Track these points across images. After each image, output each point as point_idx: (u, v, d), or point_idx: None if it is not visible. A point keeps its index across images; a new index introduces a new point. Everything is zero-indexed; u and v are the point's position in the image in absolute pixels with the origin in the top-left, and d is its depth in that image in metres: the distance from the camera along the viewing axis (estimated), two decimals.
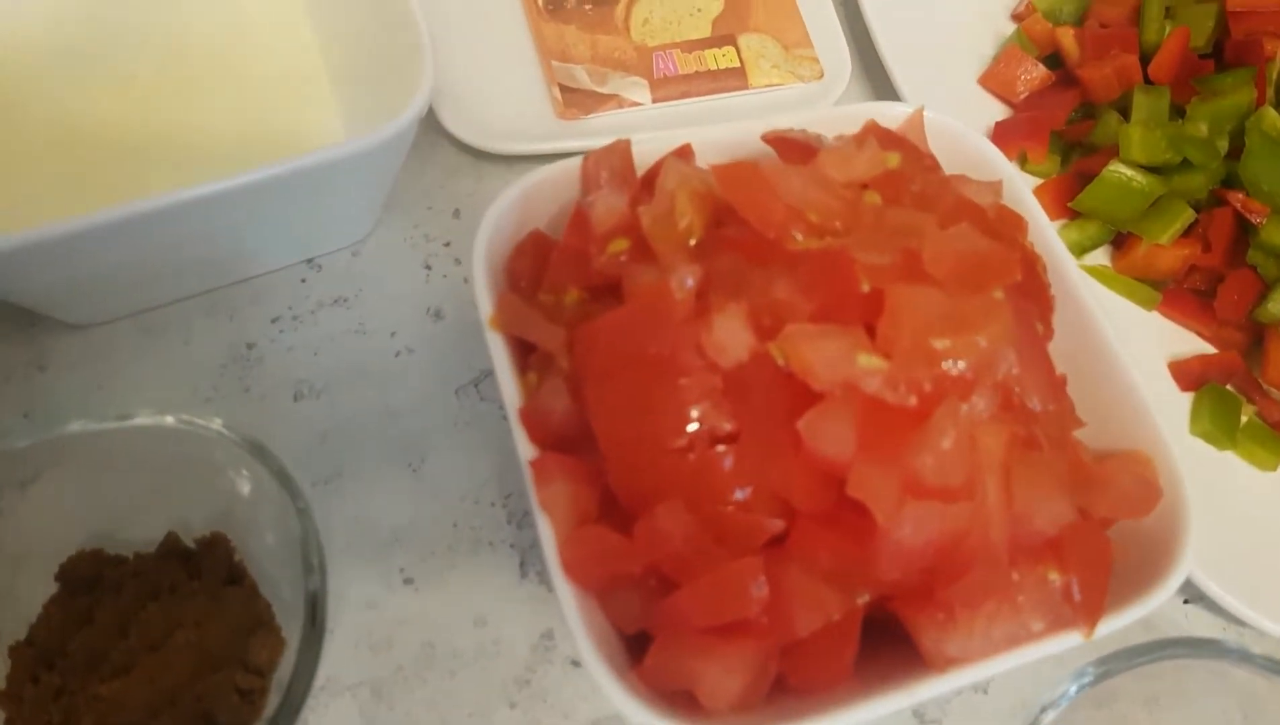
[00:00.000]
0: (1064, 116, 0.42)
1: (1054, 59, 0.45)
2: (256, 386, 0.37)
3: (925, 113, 0.33)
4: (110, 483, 0.32)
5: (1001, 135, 0.42)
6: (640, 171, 0.32)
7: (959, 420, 0.23)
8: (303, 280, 0.39)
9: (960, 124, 0.33)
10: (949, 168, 0.33)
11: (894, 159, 0.27)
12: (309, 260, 0.39)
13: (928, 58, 0.46)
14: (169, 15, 0.39)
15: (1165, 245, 0.40)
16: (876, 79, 0.47)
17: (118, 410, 0.31)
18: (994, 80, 0.44)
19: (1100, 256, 0.43)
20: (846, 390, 0.23)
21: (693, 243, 0.27)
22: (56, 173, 0.36)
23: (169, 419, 0.29)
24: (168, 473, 0.32)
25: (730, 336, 0.24)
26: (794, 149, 0.28)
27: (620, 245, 0.27)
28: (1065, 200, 0.42)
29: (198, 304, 0.38)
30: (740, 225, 0.26)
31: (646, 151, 0.32)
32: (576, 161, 0.32)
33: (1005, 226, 0.31)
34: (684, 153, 0.32)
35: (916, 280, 0.24)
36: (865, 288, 0.24)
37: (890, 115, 0.34)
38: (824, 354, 0.23)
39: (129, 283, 0.34)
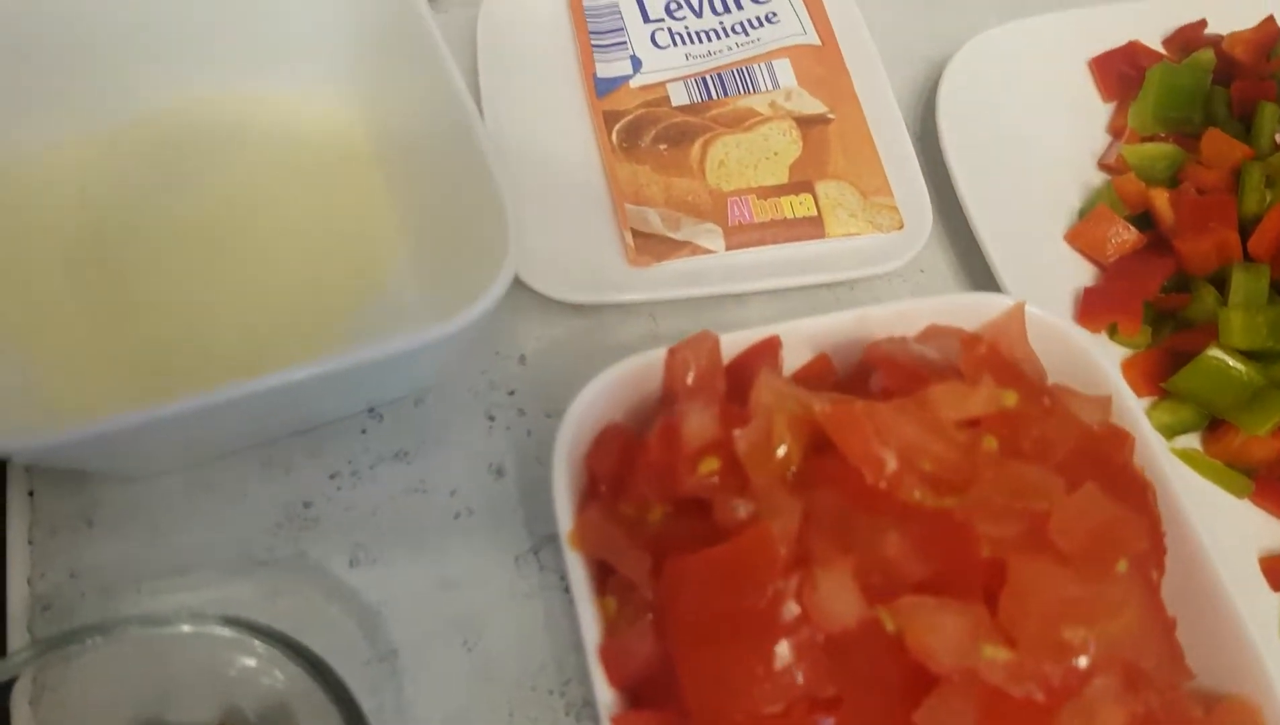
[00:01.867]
0: (1157, 286, 0.41)
1: (1145, 217, 0.44)
2: (312, 550, 0.35)
3: (1028, 308, 0.32)
4: (158, 665, 0.31)
5: (1091, 305, 0.41)
6: (728, 357, 0.31)
7: (1085, 717, 0.21)
8: (363, 431, 0.38)
9: (1066, 323, 0.32)
10: (1050, 365, 0.32)
11: (1011, 397, 0.25)
12: (371, 409, 0.38)
13: (1011, 207, 0.44)
14: (237, 167, 0.38)
15: (1263, 436, 0.38)
16: (957, 228, 0.45)
17: (166, 587, 0.30)
18: (1082, 240, 0.43)
19: (1190, 437, 0.41)
20: (966, 676, 0.22)
21: (791, 472, 0.26)
22: (116, 323, 0.35)
23: (216, 628, 0.27)
24: (216, 661, 0.30)
25: (836, 599, 0.23)
26: (900, 374, 0.27)
27: (711, 465, 0.26)
28: (1156, 377, 0.40)
29: (254, 456, 0.36)
30: (844, 461, 0.25)
31: (735, 340, 0.31)
32: (659, 355, 0.30)
33: (1112, 446, 0.29)
34: (773, 347, 0.30)
35: (1041, 551, 0.22)
36: (986, 553, 0.23)
37: (989, 307, 0.32)
38: (945, 636, 0.21)
39: (185, 443, 0.33)
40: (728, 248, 0.42)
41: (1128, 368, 0.41)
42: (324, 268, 0.36)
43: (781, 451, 0.26)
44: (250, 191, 0.37)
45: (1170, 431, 0.40)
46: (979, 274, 0.43)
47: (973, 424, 0.26)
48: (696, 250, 0.42)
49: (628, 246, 0.42)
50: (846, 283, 0.43)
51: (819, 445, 0.27)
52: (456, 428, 0.39)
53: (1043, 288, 0.42)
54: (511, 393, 0.40)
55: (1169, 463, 0.33)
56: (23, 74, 0.37)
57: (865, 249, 0.43)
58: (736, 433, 0.26)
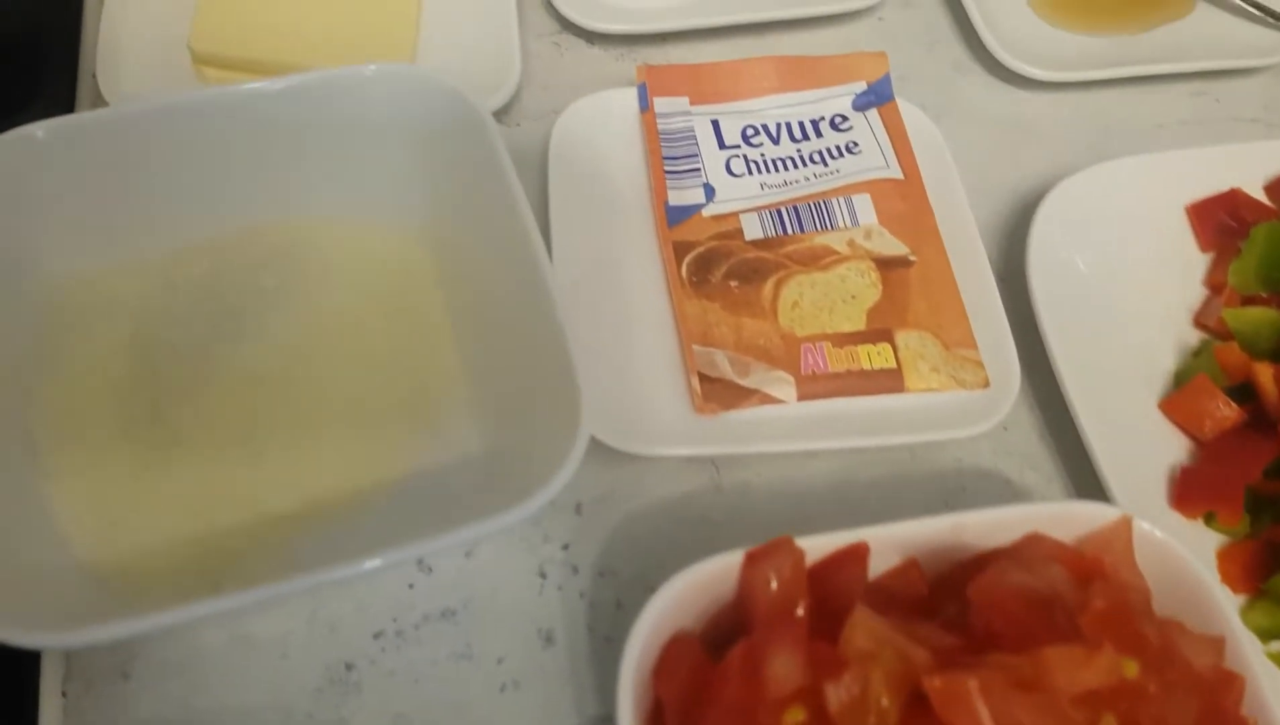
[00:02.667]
0: (1259, 470, 0.38)
1: (1247, 387, 0.41)
2: (354, 719, 0.34)
3: (1136, 524, 0.29)
4: None
5: (1188, 489, 0.38)
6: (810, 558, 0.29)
7: None
8: (410, 585, 0.36)
9: (1178, 547, 0.29)
10: (1155, 585, 0.30)
11: (1132, 668, 0.23)
12: (419, 560, 0.37)
13: (1102, 364, 0.42)
14: (295, 300, 0.37)
15: None
16: (1042, 379, 0.42)
17: None
18: (1179, 412, 0.40)
19: None
20: None
21: None
22: (162, 466, 0.34)
23: None
24: None
25: None
26: (1009, 622, 0.24)
27: (797, 716, 0.24)
28: (1254, 572, 0.37)
29: (299, 610, 0.35)
30: None
31: (818, 544, 0.29)
32: (735, 560, 0.29)
33: (1223, 693, 0.26)
34: (860, 555, 0.28)
35: None
36: None
37: (1093, 517, 0.30)
38: None
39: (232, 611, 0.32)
40: (799, 398, 0.40)
41: (1223, 559, 0.38)
42: (381, 412, 0.35)
43: (878, 711, 0.24)
44: (308, 328, 0.35)
45: (1266, 635, 0.37)
46: (1067, 437, 0.41)
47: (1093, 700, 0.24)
48: (766, 399, 0.40)
49: (694, 393, 0.40)
50: (925, 444, 0.41)
51: (919, 701, 0.25)
52: (507, 585, 0.37)
53: (1135, 459, 0.40)
54: (565, 547, 0.38)
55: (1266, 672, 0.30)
56: (87, 193, 0.36)
57: (947, 407, 0.41)
58: (829, 687, 0.24)
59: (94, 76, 0.43)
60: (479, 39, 0.47)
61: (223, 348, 0.34)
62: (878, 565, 0.30)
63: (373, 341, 0.36)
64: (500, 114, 0.47)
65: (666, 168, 0.45)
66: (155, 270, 0.37)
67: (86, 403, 0.33)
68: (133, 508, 0.32)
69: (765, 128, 0.47)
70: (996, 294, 0.43)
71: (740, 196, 0.45)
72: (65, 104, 0.45)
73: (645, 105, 0.46)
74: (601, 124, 0.46)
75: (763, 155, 0.46)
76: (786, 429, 0.40)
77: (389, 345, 0.36)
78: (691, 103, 0.47)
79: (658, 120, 0.46)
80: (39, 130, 0.33)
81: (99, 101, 0.44)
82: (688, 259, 0.43)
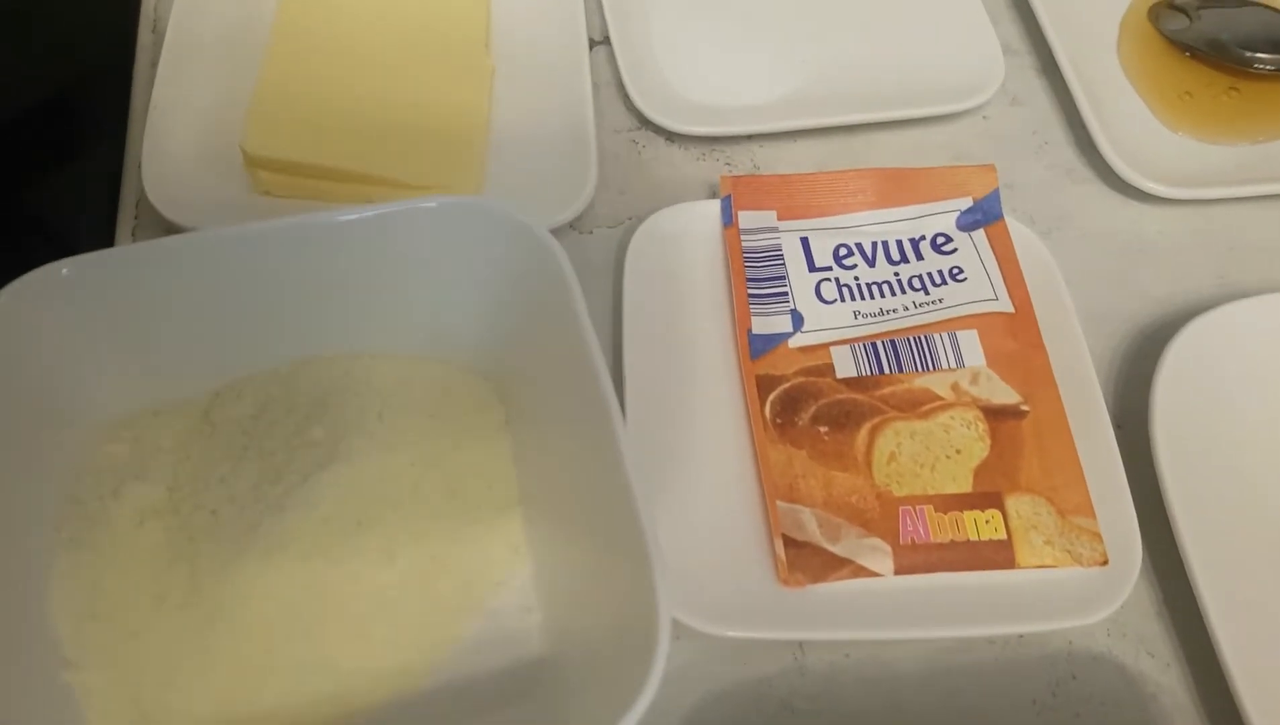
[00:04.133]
0: None
1: None
2: None
3: None
4: None
5: None
6: None
7: None
8: None
9: None
10: None
11: None
12: None
13: (1234, 536, 0.37)
14: (345, 446, 0.33)
15: None
16: (1161, 555, 0.37)
17: None
18: None
19: None
20: None
21: None
22: (196, 638, 0.30)
23: None
24: None
25: None
26: None
27: None
28: None
29: None
30: None
31: None
32: None
33: None
34: None
35: None
36: None
37: None
38: None
39: None
40: (896, 571, 0.36)
41: None
42: (436, 590, 0.31)
43: None
44: (359, 494, 0.32)
45: None
46: (1189, 617, 0.36)
47: None
48: (859, 571, 0.36)
49: (779, 560, 0.36)
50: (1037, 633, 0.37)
51: None
52: None
53: (1269, 647, 0.35)
54: None
55: None
56: (122, 330, 0.33)
57: (1060, 586, 0.36)
58: None
59: (140, 180, 0.40)
60: (554, 140, 0.44)
61: (267, 517, 0.31)
62: None
63: (430, 508, 0.32)
64: (573, 222, 0.43)
65: (751, 291, 0.41)
66: (196, 411, 0.34)
67: (116, 578, 0.30)
68: (166, 696, 0.29)
69: (860, 247, 0.43)
70: (1116, 450, 0.38)
71: (831, 326, 0.41)
72: (108, 210, 0.42)
73: (729, 220, 0.43)
74: (681, 239, 0.42)
75: (856, 279, 0.42)
76: (881, 609, 0.35)
77: (447, 511, 0.32)
78: (779, 217, 0.43)
79: (742, 237, 0.42)
80: (65, 268, 0.30)
81: (144, 204, 0.41)
82: (772, 397, 0.39)
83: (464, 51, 0.44)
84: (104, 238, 0.43)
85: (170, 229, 0.40)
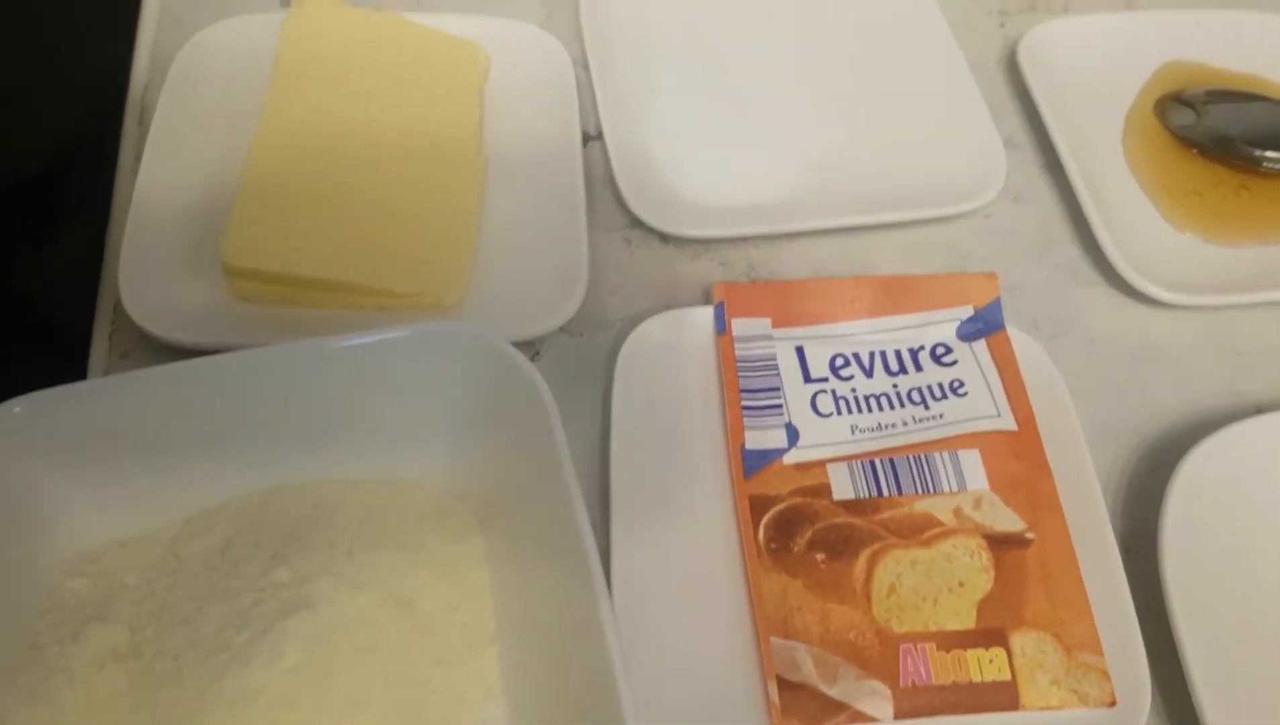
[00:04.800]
0: None
1: None
2: None
3: None
4: None
5: None
6: None
7: None
8: None
9: None
10: None
11: None
12: None
13: (1248, 675, 0.35)
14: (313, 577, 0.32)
15: None
16: (1170, 691, 0.35)
17: None
18: None
19: None
20: None
21: None
22: None
23: None
24: None
25: None
26: None
27: None
28: None
29: None
30: None
31: None
32: None
33: None
34: None
35: None
36: None
37: None
38: None
39: None
40: (896, 715, 0.34)
41: None
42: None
43: None
44: (327, 644, 0.30)
45: None
46: None
47: None
48: (856, 717, 0.34)
49: (773, 704, 0.34)
50: None
51: None
52: None
53: None
54: None
55: None
56: (87, 464, 0.32)
57: None
58: None
59: (118, 289, 0.39)
60: (545, 240, 0.43)
61: (232, 668, 0.29)
62: None
63: (400, 652, 0.30)
64: (563, 325, 0.42)
65: (744, 402, 0.40)
66: (164, 541, 0.33)
67: (76, 675, 0.29)
68: None
69: (857, 357, 0.41)
70: (1124, 581, 0.37)
71: (828, 442, 0.39)
72: (85, 318, 0.41)
73: (722, 327, 0.41)
74: (672, 348, 0.41)
75: (854, 391, 0.41)
76: None
77: (418, 654, 0.31)
78: (774, 325, 0.42)
79: (736, 346, 0.41)
80: (18, 406, 0.29)
81: (120, 315, 0.40)
82: (766, 519, 0.38)
83: (456, 149, 0.43)
84: (83, 334, 0.42)
85: (146, 334, 0.39)
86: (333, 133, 0.42)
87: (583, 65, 0.49)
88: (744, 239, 0.46)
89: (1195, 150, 0.49)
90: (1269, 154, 0.47)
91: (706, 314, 0.42)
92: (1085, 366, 0.44)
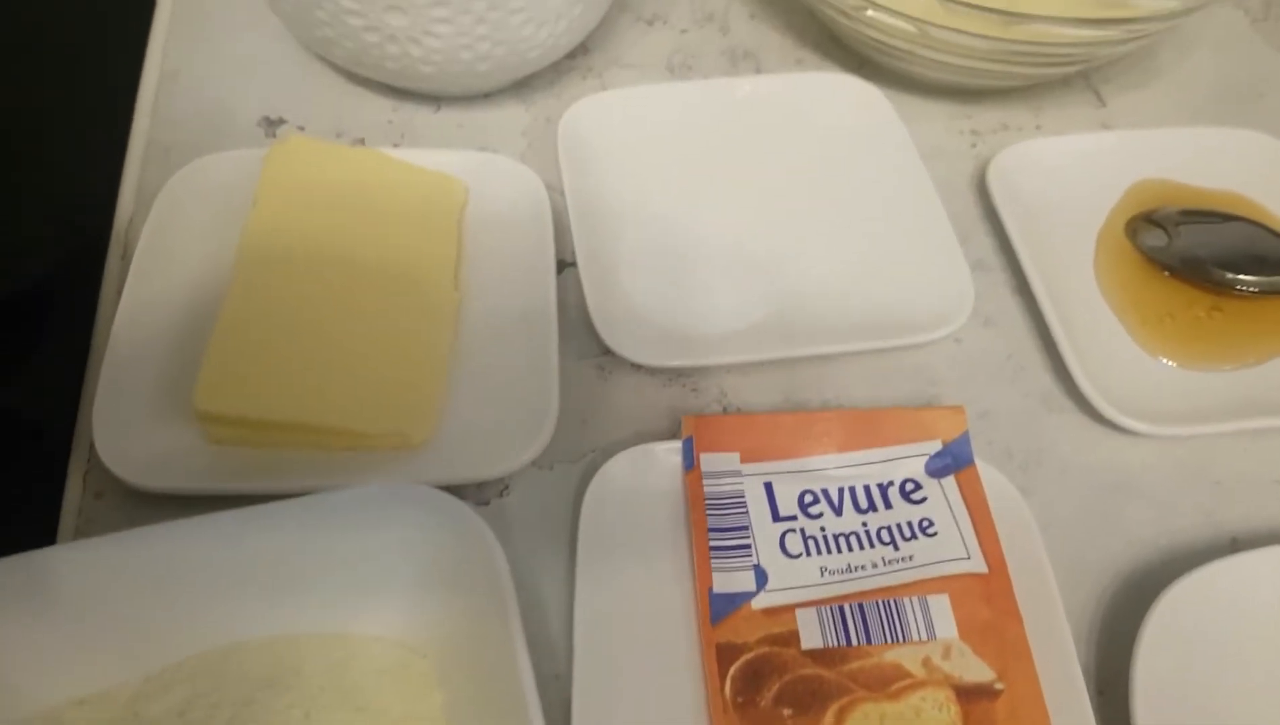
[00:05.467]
0: None
1: None
2: None
3: None
4: None
5: None
6: None
7: None
8: None
9: None
10: None
11: None
12: None
13: None
14: None
15: None
16: None
17: None
18: None
19: None
20: None
21: None
22: None
23: None
24: None
25: None
26: None
27: None
28: None
29: None
30: None
31: None
32: None
33: None
34: None
35: None
36: None
37: None
38: None
39: None
40: None
41: None
42: None
43: None
44: None
45: None
46: None
47: None
48: None
49: None
50: None
51: None
52: None
53: None
54: None
55: None
56: (46, 625, 0.32)
57: None
58: None
59: (91, 435, 0.39)
60: (517, 370, 0.43)
61: None
62: None
63: None
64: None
65: (712, 542, 0.40)
66: (123, 700, 0.32)
67: None
68: None
69: (826, 494, 0.41)
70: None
71: (797, 584, 0.39)
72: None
73: (690, 463, 0.41)
74: (640, 486, 0.41)
75: (823, 529, 0.40)
76: None
77: None
78: (743, 459, 0.42)
79: (704, 482, 0.41)
80: None
81: (96, 454, 0.40)
82: (733, 671, 0.37)
83: (432, 285, 0.44)
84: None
85: (118, 479, 0.40)
86: (309, 272, 0.43)
87: (560, 192, 0.50)
88: (716, 367, 0.46)
89: (1167, 272, 0.49)
90: (1242, 277, 0.48)
91: (674, 449, 0.42)
92: (1058, 497, 0.43)
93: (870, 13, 0.51)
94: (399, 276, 0.44)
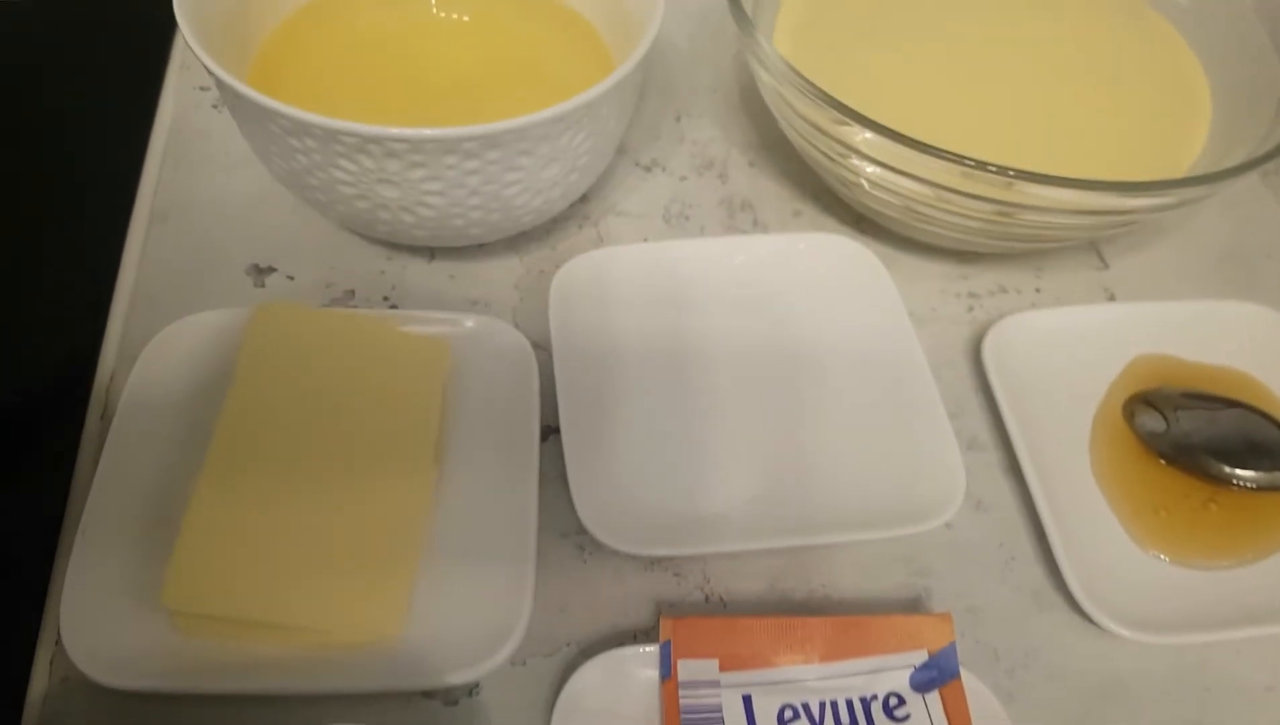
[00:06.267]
0: None
1: None
2: None
3: None
4: None
5: None
6: None
7: None
8: None
9: None
10: None
11: None
12: None
13: None
14: None
15: None
16: None
17: None
18: None
19: None
20: None
21: None
22: None
23: None
24: None
25: None
26: None
27: None
28: None
29: None
30: None
31: None
32: None
33: None
34: None
35: None
36: None
37: None
38: None
39: None
40: None
41: None
42: None
43: None
44: None
45: None
46: None
47: None
48: None
49: None
50: None
51: None
52: None
53: None
54: None
55: None
56: None
57: None
58: None
59: (58, 628, 0.39)
60: (493, 552, 0.42)
61: None
62: None
63: None
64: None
65: None
66: None
67: None
68: None
69: (806, 709, 0.40)
70: None
71: None
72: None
73: (667, 672, 0.40)
74: (614, 696, 0.39)
75: None
76: None
77: None
78: (722, 668, 0.40)
79: (681, 693, 0.40)
80: None
81: (59, 646, 0.39)
82: None
83: (410, 462, 0.43)
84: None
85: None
86: (284, 456, 0.42)
87: (549, 352, 0.49)
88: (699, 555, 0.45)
89: (1164, 459, 0.48)
90: (1239, 472, 0.46)
91: (650, 655, 0.40)
92: (1045, 704, 0.42)
93: (866, 186, 0.50)
94: (378, 454, 0.43)
